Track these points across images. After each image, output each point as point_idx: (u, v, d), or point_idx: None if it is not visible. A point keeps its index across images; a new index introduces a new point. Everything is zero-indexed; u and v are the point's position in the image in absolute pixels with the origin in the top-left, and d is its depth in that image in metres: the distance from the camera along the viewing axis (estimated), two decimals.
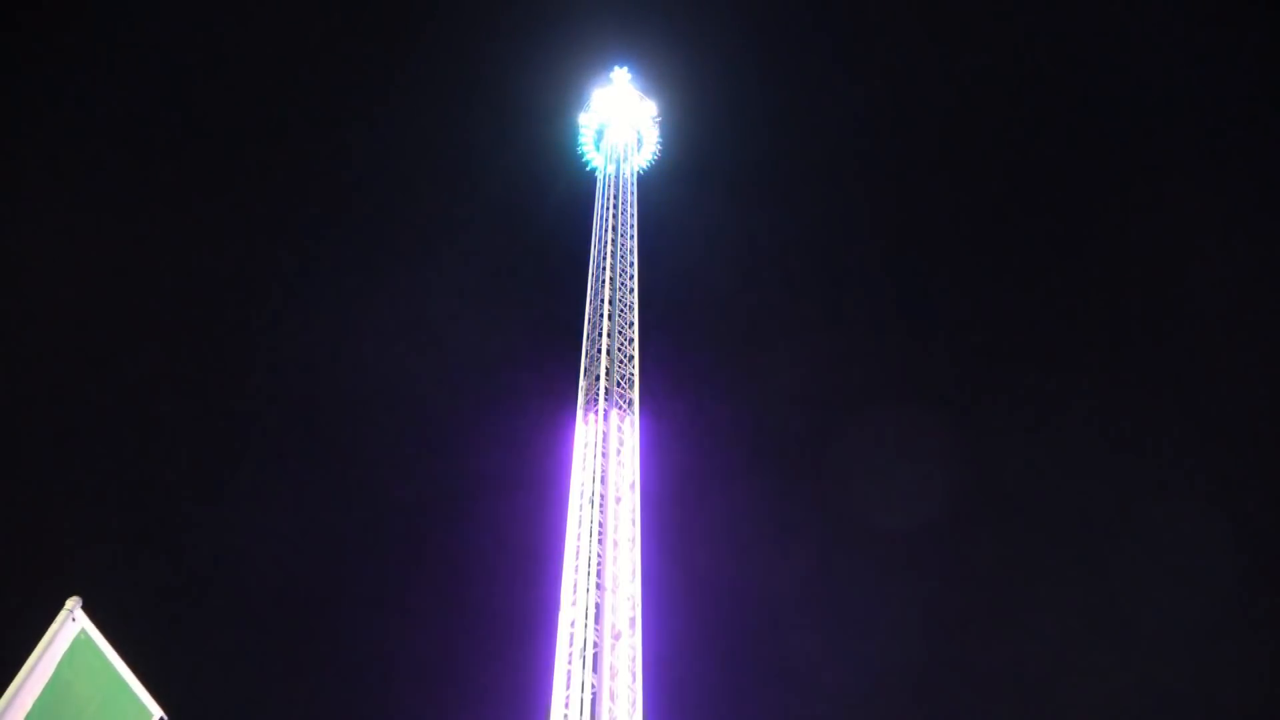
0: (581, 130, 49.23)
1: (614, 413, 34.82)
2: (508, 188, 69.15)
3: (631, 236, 42.96)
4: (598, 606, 28.84)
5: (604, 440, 33.60)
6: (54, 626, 5.69)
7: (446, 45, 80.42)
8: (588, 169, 48.57)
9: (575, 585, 29.46)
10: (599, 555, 30.05)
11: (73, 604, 5.82)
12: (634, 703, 27.55)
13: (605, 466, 32.83)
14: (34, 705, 5.41)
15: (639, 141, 48.90)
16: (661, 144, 48.97)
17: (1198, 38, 63.01)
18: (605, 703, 26.71)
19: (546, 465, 34.89)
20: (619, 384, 36.28)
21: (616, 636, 28.65)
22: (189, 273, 63.09)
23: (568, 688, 26.90)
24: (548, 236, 63.01)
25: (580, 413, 35.51)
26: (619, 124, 48.71)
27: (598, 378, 35.87)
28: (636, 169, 47.66)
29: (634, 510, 32.51)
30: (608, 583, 29.66)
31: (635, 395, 36.50)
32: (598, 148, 48.71)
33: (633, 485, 33.20)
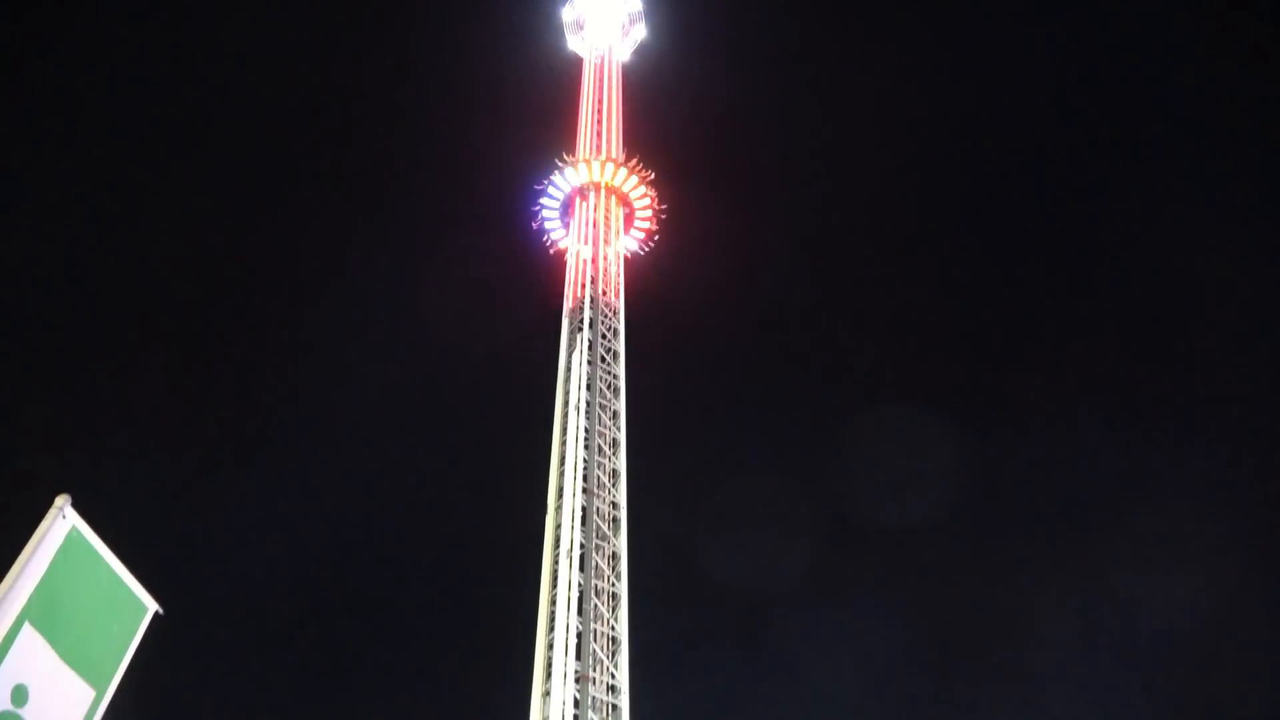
0: (565, 28, 47.41)
1: (599, 321, 34.69)
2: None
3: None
4: (584, 509, 29.35)
5: (589, 348, 33.55)
6: (44, 524, 5.58)
7: None
8: (568, 53, 46.84)
9: (561, 490, 29.85)
10: (584, 460, 30.39)
11: (62, 501, 5.70)
12: (619, 599, 28.33)
13: (592, 373, 32.87)
14: (28, 601, 5.34)
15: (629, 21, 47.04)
16: (648, 30, 47.20)
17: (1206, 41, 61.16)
18: (591, 599, 27.46)
19: (532, 455, 33.91)
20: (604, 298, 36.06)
21: (602, 538, 29.27)
22: (186, 272, 61.92)
23: (554, 586, 27.56)
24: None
25: (565, 323, 35.33)
26: (601, 15, 46.84)
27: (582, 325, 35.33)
28: (622, 56, 46.13)
29: (619, 416, 32.82)
30: (593, 487, 30.11)
31: (621, 304, 36.42)
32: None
33: (617, 391, 33.43)
